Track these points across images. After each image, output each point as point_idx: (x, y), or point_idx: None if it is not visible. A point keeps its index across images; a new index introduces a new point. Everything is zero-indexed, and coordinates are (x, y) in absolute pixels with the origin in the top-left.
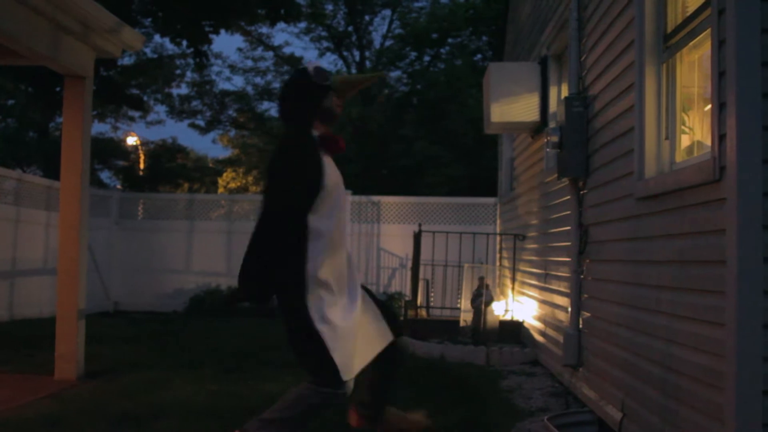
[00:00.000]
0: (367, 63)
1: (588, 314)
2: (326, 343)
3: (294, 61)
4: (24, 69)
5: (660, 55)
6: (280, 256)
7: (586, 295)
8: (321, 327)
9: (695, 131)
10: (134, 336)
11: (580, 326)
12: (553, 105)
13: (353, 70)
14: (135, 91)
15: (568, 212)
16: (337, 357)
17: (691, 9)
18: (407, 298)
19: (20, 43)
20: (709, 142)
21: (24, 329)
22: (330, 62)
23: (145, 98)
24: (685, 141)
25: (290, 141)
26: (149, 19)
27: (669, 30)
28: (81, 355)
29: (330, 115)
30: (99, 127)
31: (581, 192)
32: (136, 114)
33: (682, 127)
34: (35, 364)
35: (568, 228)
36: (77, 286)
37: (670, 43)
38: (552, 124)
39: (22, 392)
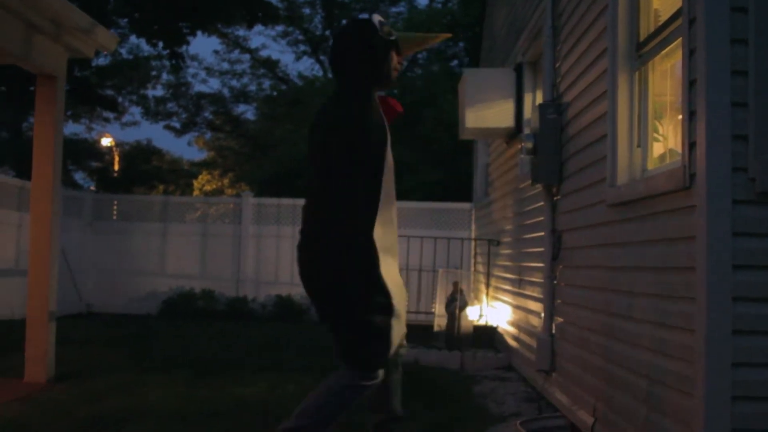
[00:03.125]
0: None
1: (561, 320)
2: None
3: (271, 64)
4: None
5: (633, 63)
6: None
7: (559, 301)
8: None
9: (668, 139)
10: (107, 339)
11: (553, 331)
12: (527, 111)
13: (330, 75)
14: (110, 92)
15: (542, 218)
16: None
17: (663, 18)
18: None
19: None
20: (674, 157)
21: None
22: (306, 67)
23: (120, 99)
24: (657, 149)
25: (354, 108)
26: (125, 20)
27: (642, 38)
28: (51, 358)
29: (390, 77)
30: (73, 128)
31: (555, 198)
32: (111, 115)
33: (655, 135)
34: (4, 366)
35: (542, 234)
36: (48, 287)
37: (643, 51)
38: (527, 131)
39: None
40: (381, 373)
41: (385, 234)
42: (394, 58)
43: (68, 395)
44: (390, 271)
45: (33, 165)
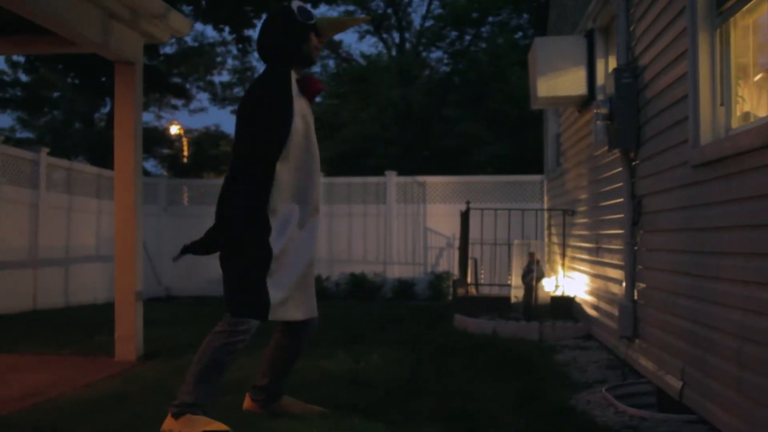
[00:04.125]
0: (407, 45)
1: (643, 285)
2: (271, 270)
3: (334, 45)
4: (70, 59)
5: (713, 20)
6: (241, 199)
7: (640, 266)
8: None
9: (746, 101)
10: (188, 319)
11: (635, 297)
12: (600, 78)
13: (393, 53)
14: (177, 80)
15: (620, 184)
16: (274, 291)
17: None
18: (455, 278)
19: (73, 30)
20: (760, 113)
21: (81, 315)
22: (370, 45)
23: (187, 86)
24: (738, 109)
25: (265, 81)
26: (190, 7)
27: None
28: (140, 337)
29: (309, 58)
30: (143, 116)
31: (633, 163)
32: (179, 102)
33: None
34: (95, 346)
35: (621, 200)
36: (134, 269)
37: (724, 8)
38: (600, 97)
39: (85, 373)
40: (251, 324)
41: (300, 210)
42: (314, 40)
43: (160, 371)
44: (296, 245)
45: (115, 150)
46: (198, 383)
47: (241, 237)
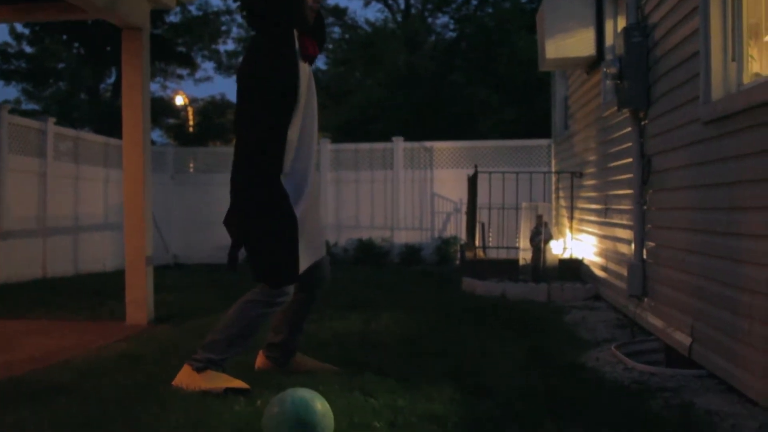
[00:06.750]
0: (412, 10)
1: (653, 244)
2: (298, 240)
3: (339, 12)
4: (75, 29)
5: None
6: (255, 169)
7: (649, 226)
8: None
9: (756, 61)
10: (197, 285)
11: (645, 257)
12: (609, 38)
13: (398, 18)
14: (182, 49)
15: (629, 144)
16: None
17: None
18: (462, 242)
19: None
20: None
21: (90, 282)
22: (376, 11)
23: (192, 55)
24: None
25: (268, 45)
26: None
27: None
28: (150, 301)
29: (303, 17)
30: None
31: (642, 122)
32: (185, 72)
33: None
34: (107, 311)
35: (630, 160)
36: (144, 234)
37: None
38: (609, 57)
39: (98, 336)
40: (288, 290)
41: (310, 169)
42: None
43: (172, 334)
44: (310, 205)
45: (123, 116)
46: (230, 346)
47: (263, 208)
